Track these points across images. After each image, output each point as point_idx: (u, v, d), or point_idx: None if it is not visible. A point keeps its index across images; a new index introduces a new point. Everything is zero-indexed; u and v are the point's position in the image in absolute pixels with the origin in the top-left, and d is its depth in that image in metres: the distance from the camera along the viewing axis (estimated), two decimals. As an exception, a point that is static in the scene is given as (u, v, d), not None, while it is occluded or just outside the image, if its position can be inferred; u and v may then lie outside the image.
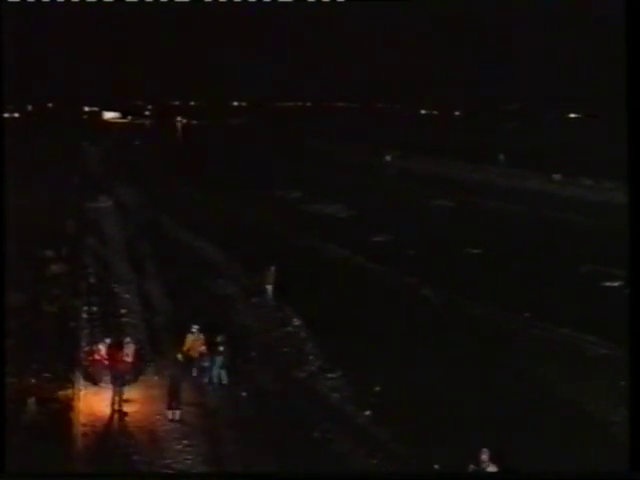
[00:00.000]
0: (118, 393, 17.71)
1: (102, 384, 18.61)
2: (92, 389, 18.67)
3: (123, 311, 24.75)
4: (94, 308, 24.83)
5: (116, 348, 19.06)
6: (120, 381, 17.81)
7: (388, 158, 69.77)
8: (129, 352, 18.87)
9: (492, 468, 13.60)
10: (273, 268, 26.02)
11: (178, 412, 17.50)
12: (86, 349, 20.20)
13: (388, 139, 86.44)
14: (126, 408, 17.72)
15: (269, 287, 25.86)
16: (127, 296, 26.58)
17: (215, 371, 19.20)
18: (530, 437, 16.23)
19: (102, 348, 19.24)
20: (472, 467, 13.60)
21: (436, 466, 15.05)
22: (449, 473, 14.02)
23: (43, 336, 22.00)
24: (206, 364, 19.03)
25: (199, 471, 15.36)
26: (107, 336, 19.97)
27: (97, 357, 19.04)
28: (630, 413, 13.41)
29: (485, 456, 13.60)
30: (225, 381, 19.18)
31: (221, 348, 19.30)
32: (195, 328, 19.78)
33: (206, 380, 19.00)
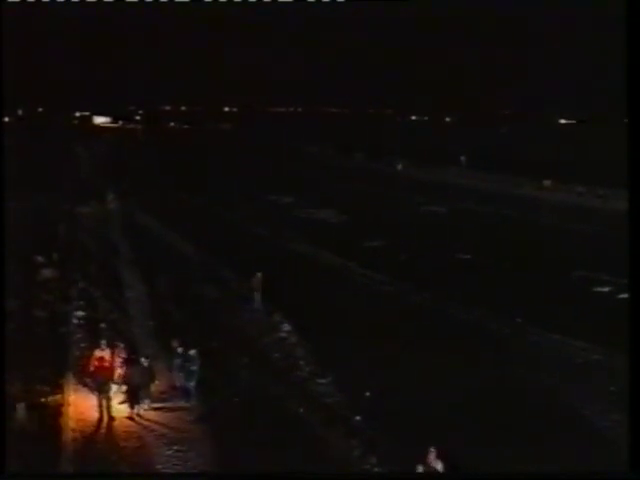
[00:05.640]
0: (105, 398, 17.63)
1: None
2: (82, 394, 18.58)
3: (113, 316, 24.65)
4: (84, 313, 24.73)
5: (103, 354, 18.94)
6: (106, 387, 17.73)
7: (399, 167, 69.61)
8: (116, 358, 18.76)
9: (439, 465, 13.61)
10: (260, 274, 25.95)
11: (137, 407, 17.83)
12: (86, 356, 19.93)
13: (382, 144, 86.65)
14: (115, 414, 17.65)
15: (257, 293, 25.80)
16: (117, 301, 26.51)
17: (184, 385, 18.81)
18: (524, 440, 16.24)
19: (97, 355, 19.10)
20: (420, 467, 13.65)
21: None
22: (445, 474, 13.99)
23: (33, 341, 21.89)
24: (194, 368, 18.84)
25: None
26: (97, 342, 19.77)
27: (96, 364, 18.81)
28: (629, 415, 13.40)
29: (432, 456, 13.62)
30: (194, 399, 18.57)
31: (193, 367, 18.65)
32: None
33: (193, 384, 18.82)
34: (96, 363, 18.63)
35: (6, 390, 15.84)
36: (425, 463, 13.62)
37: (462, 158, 70.43)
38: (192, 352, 18.84)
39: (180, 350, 19.03)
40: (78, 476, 15.39)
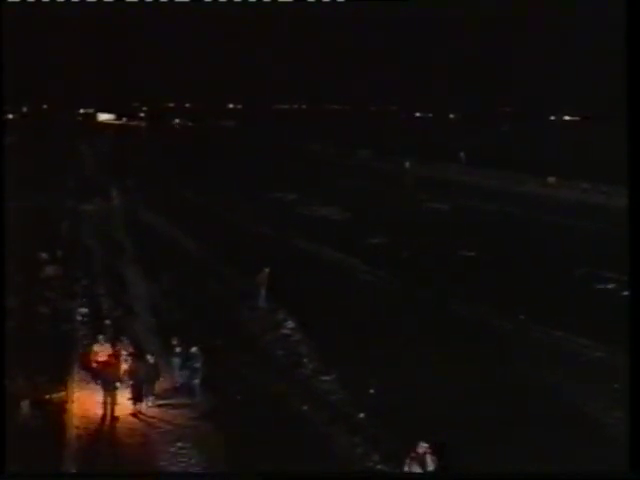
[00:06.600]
0: (110, 396, 17.66)
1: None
2: (86, 391, 18.63)
3: (116, 313, 24.67)
4: (88, 310, 24.76)
5: (103, 349, 19.01)
6: (111, 385, 17.76)
7: (407, 165, 69.25)
8: (121, 354, 18.82)
9: (428, 459, 13.63)
10: (267, 270, 25.91)
11: (141, 404, 17.95)
12: (86, 352, 20.01)
13: (386, 142, 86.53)
14: (119, 411, 17.68)
15: (262, 290, 25.77)
16: (121, 298, 26.55)
17: (188, 382, 18.81)
18: (526, 437, 16.25)
19: (96, 349, 19.19)
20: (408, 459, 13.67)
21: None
22: (445, 474, 14.02)
23: (37, 338, 21.92)
24: (197, 365, 18.83)
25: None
26: (99, 339, 19.81)
27: (101, 360, 18.86)
28: (630, 414, 13.41)
29: (422, 450, 13.62)
30: (197, 397, 18.62)
31: (197, 365, 18.73)
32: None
33: (196, 381, 18.81)
34: (100, 359, 18.71)
35: (8, 389, 15.88)
36: (416, 455, 13.62)
37: (461, 154, 70.23)
38: (194, 350, 18.84)
39: (178, 350, 19.06)
40: (78, 476, 15.41)
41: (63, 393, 18.61)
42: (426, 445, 13.65)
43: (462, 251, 34.45)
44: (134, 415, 17.74)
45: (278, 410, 17.95)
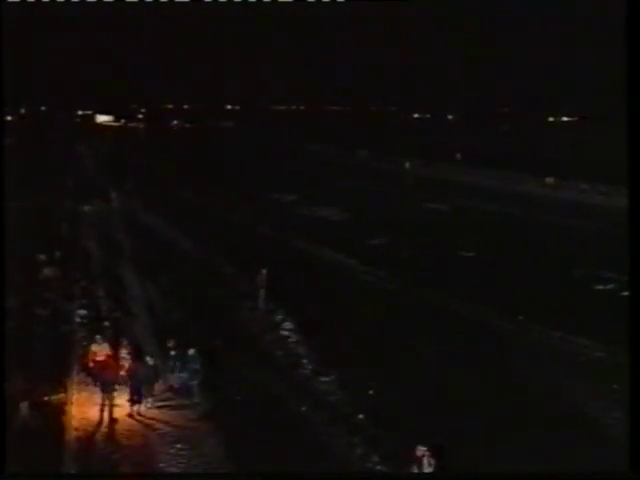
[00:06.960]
0: (109, 398, 17.62)
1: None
2: (85, 393, 18.60)
3: (116, 315, 24.65)
4: (87, 312, 24.72)
5: (101, 349, 18.97)
6: (110, 387, 17.71)
7: (407, 165, 69.13)
8: (120, 355, 18.80)
9: (425, 462, 13.59)
10: (265, 271, 25.87)
11: (140, 406, 17.89)
12: (84, 353, 19.99)
13: (384, 142, 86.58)
14: (118, 413, 17.65)
15: (261, 291, 25.74)
16: (120, 299, 26.51)
17: (187, 384, 18.70)
18: (526, 438, 16.23)
19: (93, 349, 19.16)
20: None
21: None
22: (444, 474, 13.99)
23: (36, 340, 21.89)
24: (196, 366, 18.79)
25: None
26: (97, 339, 19.74)
27: (100, 361, 18.81)
28: (630, 414, 13.40)
29: (420, 453, 13.59)
30: (196, 398, 18.50)
31: (195, 366, 18.60)
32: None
33: (195, 382, 18.78)
34: (98, 359, 18.68)
35: (8, 390, 15.85)
36: (414, 459, 13.59)
37: (458, 155, 70.43)
38: (191, 351, 18.78)
39: (173, 353, 18.98)
40: (78, 476, 15.39)
41: (62, 395, 18.58)
42: (424, 448, 13.62)
43: (462, 251, 34.45)
44: (133, 416, 17.72)
45: (277, 411, 17.93)
